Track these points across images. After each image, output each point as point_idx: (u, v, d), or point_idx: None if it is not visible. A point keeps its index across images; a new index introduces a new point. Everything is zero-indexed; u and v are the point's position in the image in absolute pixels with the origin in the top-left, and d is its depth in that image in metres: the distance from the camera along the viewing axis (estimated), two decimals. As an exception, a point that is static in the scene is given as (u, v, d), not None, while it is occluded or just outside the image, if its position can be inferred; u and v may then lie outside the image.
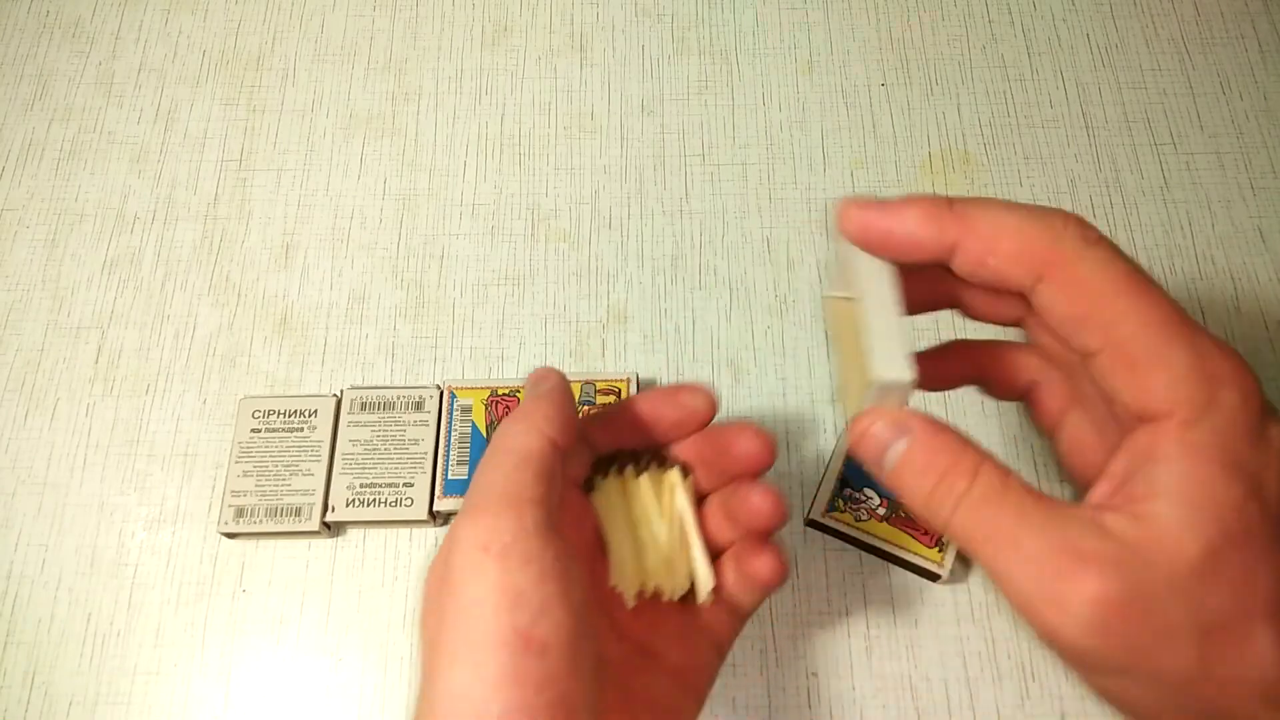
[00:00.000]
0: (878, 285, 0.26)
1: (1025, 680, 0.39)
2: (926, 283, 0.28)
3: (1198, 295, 0.45)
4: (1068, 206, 0.47)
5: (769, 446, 0.30)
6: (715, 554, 0.31)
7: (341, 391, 0.42)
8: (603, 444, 0.31)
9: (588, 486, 0.31)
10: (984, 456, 0.24)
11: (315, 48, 0.52)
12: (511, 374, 0.45)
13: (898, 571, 0.40)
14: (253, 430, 0.41)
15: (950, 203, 0.25)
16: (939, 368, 0.30)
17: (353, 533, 0.41)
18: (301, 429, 0.41)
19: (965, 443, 0.24)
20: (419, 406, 0.41)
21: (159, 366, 0.45)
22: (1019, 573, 0.22)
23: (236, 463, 0.40)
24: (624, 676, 0.28)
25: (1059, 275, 0.23)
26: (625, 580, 0.29)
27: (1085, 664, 0.23)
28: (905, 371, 0.25)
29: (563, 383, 0.30)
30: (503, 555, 0.25)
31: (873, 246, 0.26)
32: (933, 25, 0.52)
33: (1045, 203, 0.48)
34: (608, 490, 0.31)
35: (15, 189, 0.49)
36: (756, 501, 0.30)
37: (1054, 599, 0.22)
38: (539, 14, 0.53)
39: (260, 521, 0.40)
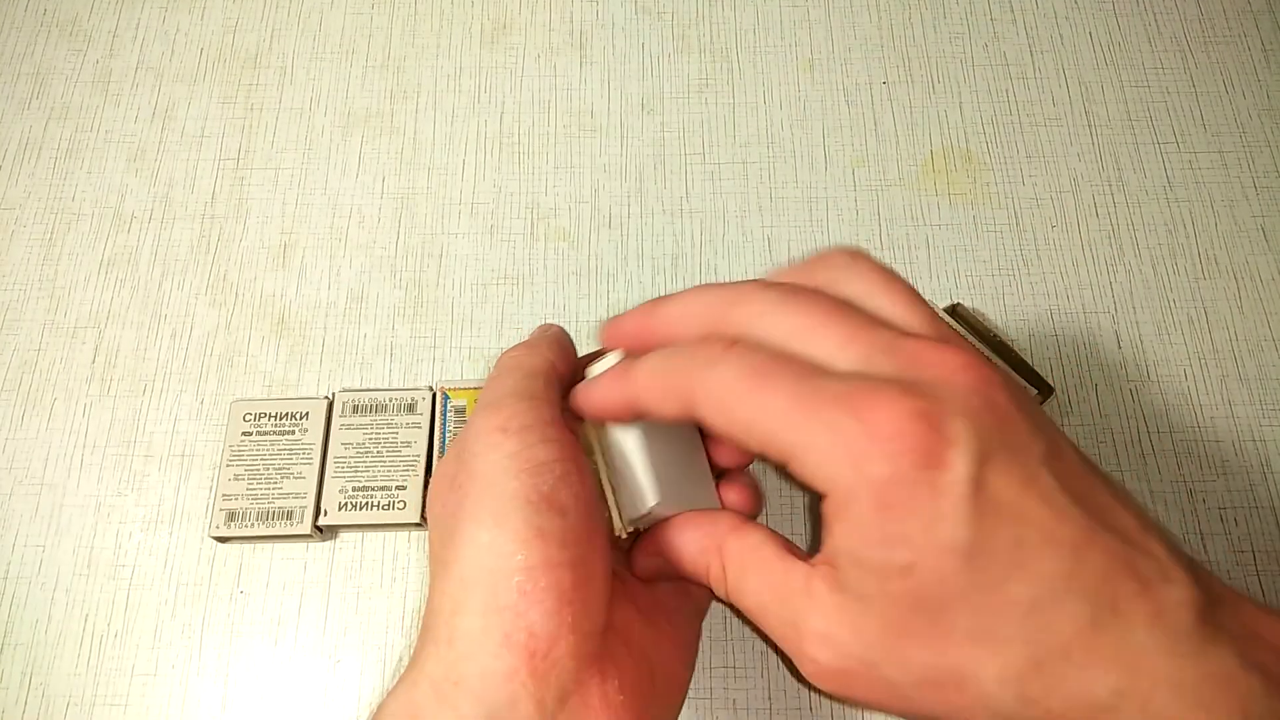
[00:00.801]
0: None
1: (1027, 682, 0.38)
2: None
3: (1201, 295, 0.45)
4: (1070, 206, 0.47)
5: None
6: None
7: (333, 394, 0.42)
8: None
9: None
10: (719, 547, 0.27)
11: (313, 45, 0.52)
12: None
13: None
14: (244, 433, 0.41)
15: (655, 304, 0.28)
16: (722, 454, 0.32)
17: (350, 535, 0.41)
18: (293, 431, 0.41)
19: (700, 544, 0.27)
20: (411, 409, 0.41)
21: (156, 366, 0.44)
22: (777, 642, 0.25)
23: (228, 466, 0.40)
24: (630, 635, 0.29)
25: (697, 404, 0.25)
26: (622, 519, 0.30)
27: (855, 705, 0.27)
28: (650, 499, 0.28)
29: (564, 332, 0.32)
30: (521, 432, 0.26)
31: (626, 348, 0.30)
32: (934, 23, 0.52)
33: (1047, 202, 0.47)
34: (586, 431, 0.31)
35: (12, 188, 0.49)
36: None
37: (799, 667, 0.24)
38: (538, 12, 0.53)
39: (252, 525, 0.39)
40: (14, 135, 0.50)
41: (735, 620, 0.39)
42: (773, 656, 0.39)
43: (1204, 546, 0.40)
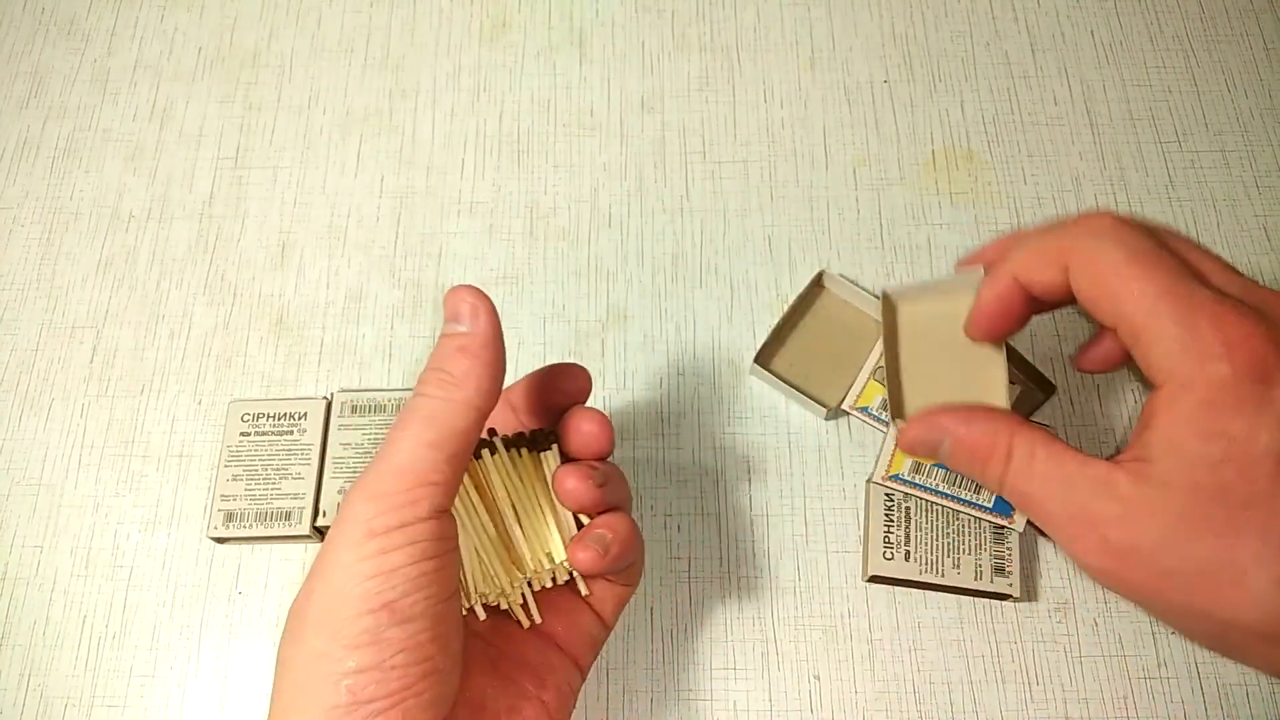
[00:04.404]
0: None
1: (1029, 683, 0.38)
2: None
3: (1203, 294, 0.45)
4: (1072, 205, 0.47)
5: (588, 377, 0.32)
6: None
7: (331, 394, 0.42)
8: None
9: None
10: (1013, 432, 0.28)
11: (312, 44, 0.52)
12: (510, 374, 0.44)
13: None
14: (242, 434, 0.41)
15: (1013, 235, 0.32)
16: (1094, 356, 0.33)
17: (350, 534, 0.41)
18: (291, 432, 0.41)
19: (995, 425, 0.28)
20: None
21: (154, 366, 0.44)
22: (1051, 529, 0.27)
23: (226, 466, 0.40)
24: (495, 641, 0.29)
25: (1073, 265, 0.28)
26: (473, 596, 0.29)
27: (1116, 593, 0.28)
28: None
29: (497, 338, 0.27)
30: (385, 535, 0.25)
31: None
32: (936, 21, 0.52)
33: (1049, 201, 0.47)
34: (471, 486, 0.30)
35: (10, 187, 0.49)
36: (587, 428, 0.30)
37: (1075, 551, 0.26)
38: (538, 9, 0.53)
39: (250, 526, 0.39)
40: (12, 134, 0.50)
41: (736, 622, 0.39)
42: (774, 658, 0.39)
43: (1206, 547, 0.40)
